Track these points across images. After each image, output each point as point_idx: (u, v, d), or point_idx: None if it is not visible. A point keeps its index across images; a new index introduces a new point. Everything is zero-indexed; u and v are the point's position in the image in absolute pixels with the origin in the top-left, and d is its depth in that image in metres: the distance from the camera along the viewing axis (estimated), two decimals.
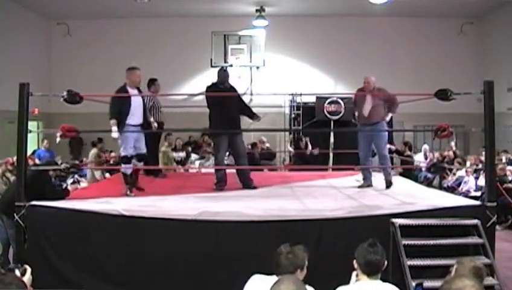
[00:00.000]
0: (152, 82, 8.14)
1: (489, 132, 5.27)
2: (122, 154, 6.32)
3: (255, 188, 6.88)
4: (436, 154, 12.02)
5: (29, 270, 2.70)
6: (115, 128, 6.04)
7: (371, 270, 2.98)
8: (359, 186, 7.10)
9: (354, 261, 3.03)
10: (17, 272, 2.64)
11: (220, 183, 6.90)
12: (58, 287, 4.69)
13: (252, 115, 7.09)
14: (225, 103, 6.78)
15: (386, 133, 7.21)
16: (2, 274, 2.51)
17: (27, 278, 2.65)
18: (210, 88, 7.16)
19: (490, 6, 14.09)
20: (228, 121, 6.81)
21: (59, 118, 11.53)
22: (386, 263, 3.04)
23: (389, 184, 6.87)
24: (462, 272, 2.97)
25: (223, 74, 7.11)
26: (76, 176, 10.40)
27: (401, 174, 9.27)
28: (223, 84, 7.03)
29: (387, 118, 7.12)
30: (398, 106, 7.06)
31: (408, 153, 11.84)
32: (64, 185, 6.95)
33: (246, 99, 8.00)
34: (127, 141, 6.25)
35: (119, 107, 6.15)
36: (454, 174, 11.31)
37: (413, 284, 4.42)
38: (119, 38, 15.25)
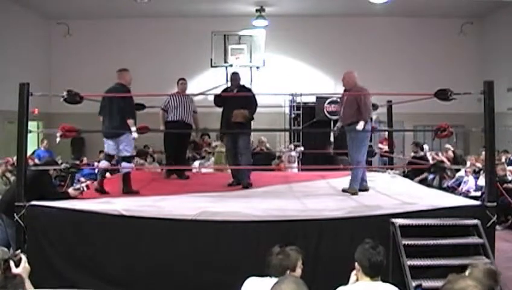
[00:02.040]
0: (177, 82, 8.19)
1: (489, 132, 5.27)
2: (130, 154, 6.49)
3: (248, 186, 7.00)
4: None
5: (24, 259, 2.61)
6: (134, 128, 6.29)
7: (375, 272, 2.97)
8: (344, 190, 6.48)
9: (356, 264, 3.02)
10: (12, 264, 2.55)
11: (233, 181, 7.26)
12: (58, 287, 4.68)
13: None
14: (228, 104, 7.08)
15: (360, 136, 6.43)
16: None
17: (22, 267, 2.57)
18: (222, 91, 7.68)
19: (490, 6, 14.08)
20: (228, 122, 7.00)
21: (59, 118, 11.51)
22: (385, 262, 3.04)
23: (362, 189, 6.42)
24: (476, 275, 2.93)
25: (231, 77, 7.39)
26: (81, 178, 10.35)
27: (407, 176, 9.11)
28: (233, 87, 7.29)
29: (359, 126, 6.25)
30: (368, 112, 6.34)
31: (421, 153, 11.44)
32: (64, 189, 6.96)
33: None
34: (133, 142, 6.54)
35: (133, 108, 6.44)
36: (453, 175, 11.29)
37: (413, 284, 4.41)
38: (119, 38, 15.26)
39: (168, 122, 7.82)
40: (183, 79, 8.17)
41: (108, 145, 6.50)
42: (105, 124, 6.45)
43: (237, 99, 7.01)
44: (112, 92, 6.39)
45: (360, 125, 6.27)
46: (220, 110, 7.30)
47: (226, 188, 7.03)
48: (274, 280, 2.93)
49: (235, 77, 7.33)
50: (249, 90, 7.47)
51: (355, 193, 6.28)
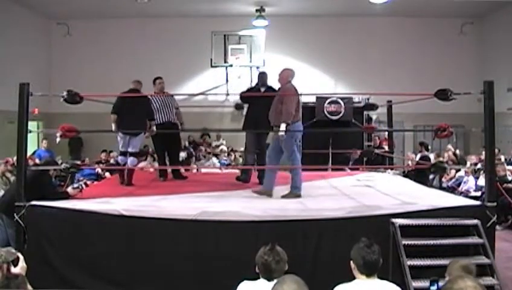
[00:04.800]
0: (153, 81, 7.91)
1: (489, 132, 5.27)
2: (137, 150, 7.17)
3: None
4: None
5: (21, 258, 2.59)
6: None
7: (370, 271, 2.98)
8: (254, 191, 6.25)
9: (351, 262, 3.03)
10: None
11: (241, 176, 7.35)
12: (58, 287, 4.69)
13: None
14: (256, 103, 7.11)
15: (288, 138, 6.00)
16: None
17: (20, 267, 2.55)
18: (250, 89, 7.79)
19: (490, 6, 14.10)
20: (256, 120, 6.98)
21: (59, 118, 11.53)
22: (381, 261, 3.04)
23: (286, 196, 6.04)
24: (453, 271, 2.99)
25: (260, 76, 7.51)
26: (80, 177, 10.31)
27: (412, 177, 9.03)
28: (262, 86, 7.36)
29: (281, 134, 5.90)
30: (288, 114, 5.93)
31: (425, 153, 11.45)
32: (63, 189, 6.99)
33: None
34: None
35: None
36: (452, 175, 11.28)
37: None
38: (119, 38, 15.27)
39: (155, 125, 7.50)
40: (160, 78, 7.82)
41: (124, 143, 6.98)
42: (125, 122, 6.78)
43: (265, 99, 6.84)
44: (134, 96, 6.97)
45: (282, 128, 5.91)
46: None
47: (226, 187, 7.02)
48: (267, 282, 2.94)
49: (262, 76, 7.43)
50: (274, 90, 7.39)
51: (267, 195, 6.10)
